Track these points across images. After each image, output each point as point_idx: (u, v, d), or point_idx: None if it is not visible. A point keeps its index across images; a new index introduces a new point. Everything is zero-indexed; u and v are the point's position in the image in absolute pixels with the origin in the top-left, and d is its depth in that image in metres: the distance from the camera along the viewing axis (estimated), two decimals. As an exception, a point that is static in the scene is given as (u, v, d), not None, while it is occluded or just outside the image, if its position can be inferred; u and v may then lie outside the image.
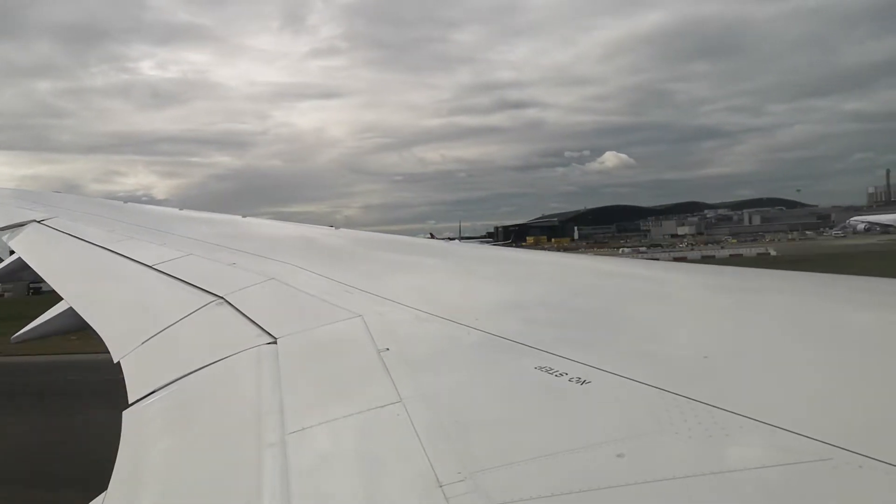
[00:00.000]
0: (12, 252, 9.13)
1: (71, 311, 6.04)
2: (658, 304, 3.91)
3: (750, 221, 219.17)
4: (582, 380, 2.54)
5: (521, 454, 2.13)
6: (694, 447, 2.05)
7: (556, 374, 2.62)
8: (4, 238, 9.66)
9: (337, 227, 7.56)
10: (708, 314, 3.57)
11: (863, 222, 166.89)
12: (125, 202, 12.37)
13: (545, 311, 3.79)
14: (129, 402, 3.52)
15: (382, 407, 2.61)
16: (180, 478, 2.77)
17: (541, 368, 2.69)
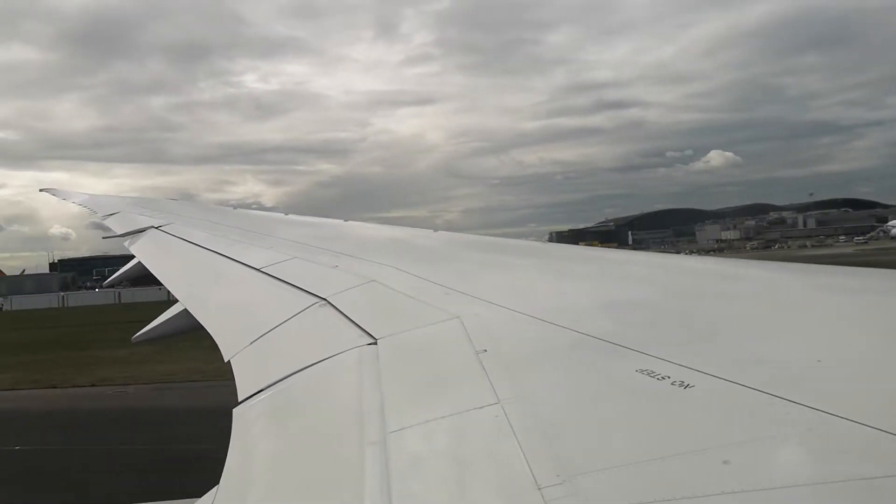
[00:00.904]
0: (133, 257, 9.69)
1: (185, 313, 6.36)
2: (762, 304, 3.75)
3: (805, 224, 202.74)
4: (685, 383, 2.47)
5: (621, 458, 2.09)
6: (805, 455, 1.96)
7: (658, 377, 2.56)
8: (126, 244, 10.26)
9: (436, 231, 7.64)
10: (818, 315, 3.40)
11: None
12: (234, 208, 12.90)
13: (643, 312, 3.71)
14: (239, 401, 3.67)
15: (481, 408, 2.62)
16: (287, 473, 2.87)
17: (641, 371, 2.63)
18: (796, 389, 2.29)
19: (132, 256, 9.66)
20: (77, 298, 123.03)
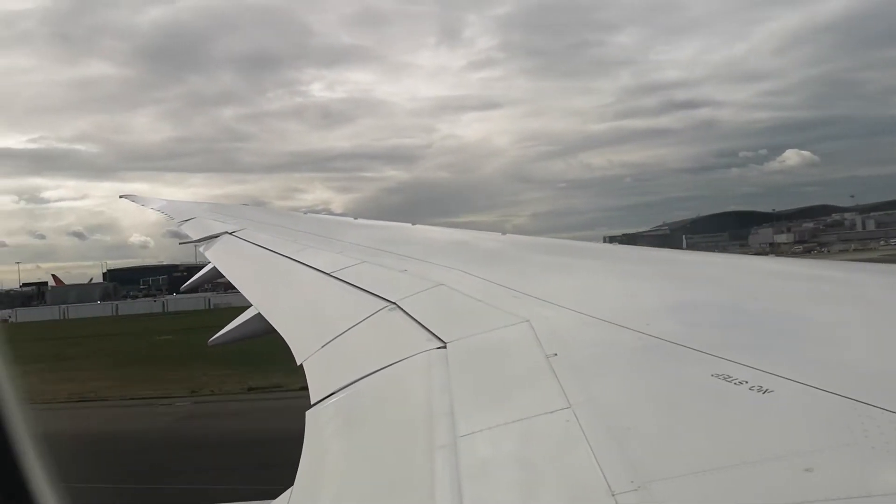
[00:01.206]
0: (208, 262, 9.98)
1: (259, 317, 6.51)
2: (841, 306, 3.62)
3: (864, 226, 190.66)
4: (763, 388, 2.40)
5: (698, 465, 2.04)
6: (891, 463, 1.88)
7: (735, 381, 2.49)
8: (201, 249, 10.57)
9: (505, 234, 7.62)
10: None
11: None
12: (305, 213, 13.15)
13: (717, 315, 3.62)
14: (311, 403, 3.73)
15: (551, 413, 2.59)
16: (358, 475, 2.90)
17: (717, 376, 2.57)
18: (880, 394, 2.20)
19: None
20: (126, 307, 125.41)
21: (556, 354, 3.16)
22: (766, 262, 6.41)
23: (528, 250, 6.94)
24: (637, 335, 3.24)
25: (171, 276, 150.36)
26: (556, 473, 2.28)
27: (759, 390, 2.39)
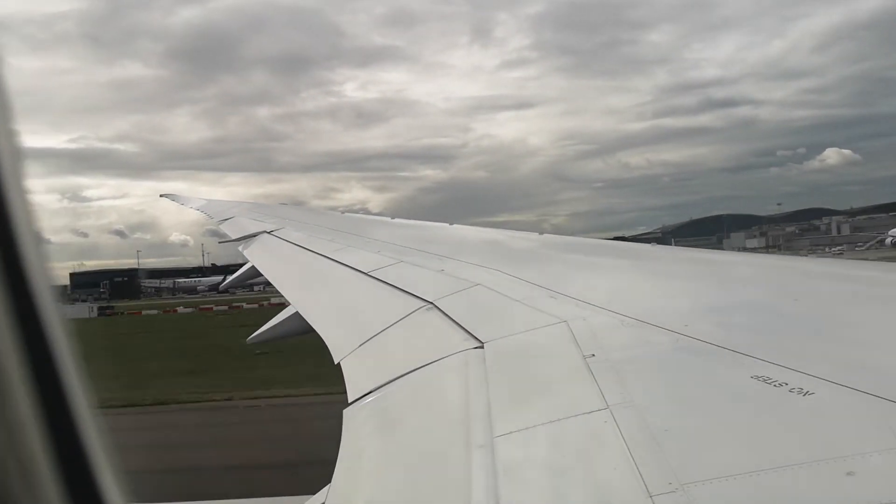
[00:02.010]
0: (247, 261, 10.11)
1: (297, 315, 6.58)
2: (882, 307, 3.56)
3: (839, 231, 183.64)
4: (804, 391, 2.37)
5: (736, 468, 2.03)
6: None
7: (775, 384, 2.47)
8: (240, 248, 10.70)
9: (541, 234, 7.61)
10: None
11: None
12: (342, 212, 13.25)
13: (755, 316, 3.58)
14: (349, 402, 3.77)
15: (589, 413, 2.59)
16: (395, 473, 2.92)
17: (757, 378, 2.55)
18: None
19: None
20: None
21: (593, 355, 3.15)
22: (806, 263, 6.31)
23: (565, 250, 6.92)
24: (675, 336, 3.22)
25: (113, 281, 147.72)
26: (593, 474, 2.28)
27: (799, 392, 2.37)
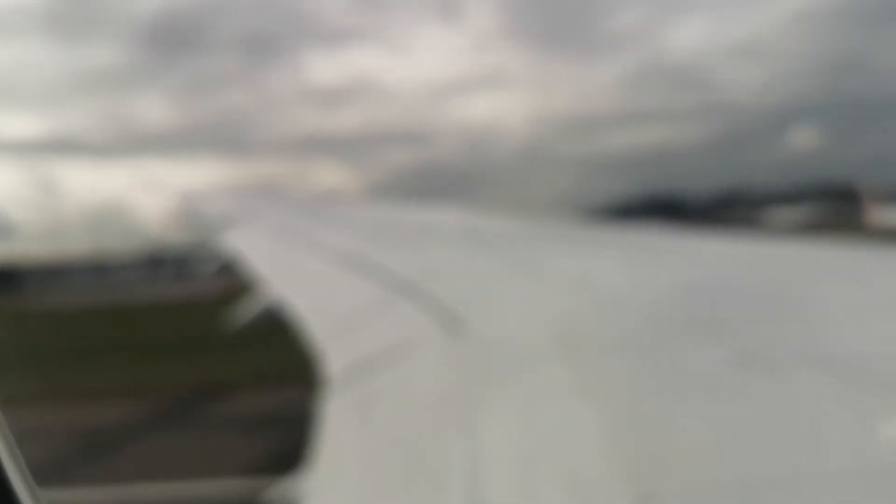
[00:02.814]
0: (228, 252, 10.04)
1: (280, 304, 6.58)
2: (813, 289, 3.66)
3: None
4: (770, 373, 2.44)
5: (699, 448, 2.09)
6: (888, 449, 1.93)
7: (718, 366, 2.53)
8: (217, 237, 10.60)
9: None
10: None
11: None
12: (317, 197, 13.14)
13: (686, 300, 3.65)
14: (327, 387, 3.79)
15: (573, 403, 2.63)
16: (374, 461, 2.95)
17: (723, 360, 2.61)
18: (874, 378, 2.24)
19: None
20: None
21: (571, 343, 3.19)
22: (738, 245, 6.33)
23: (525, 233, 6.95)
24: (640, 319, 3.28)
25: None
26: (581, 465, 2.31)
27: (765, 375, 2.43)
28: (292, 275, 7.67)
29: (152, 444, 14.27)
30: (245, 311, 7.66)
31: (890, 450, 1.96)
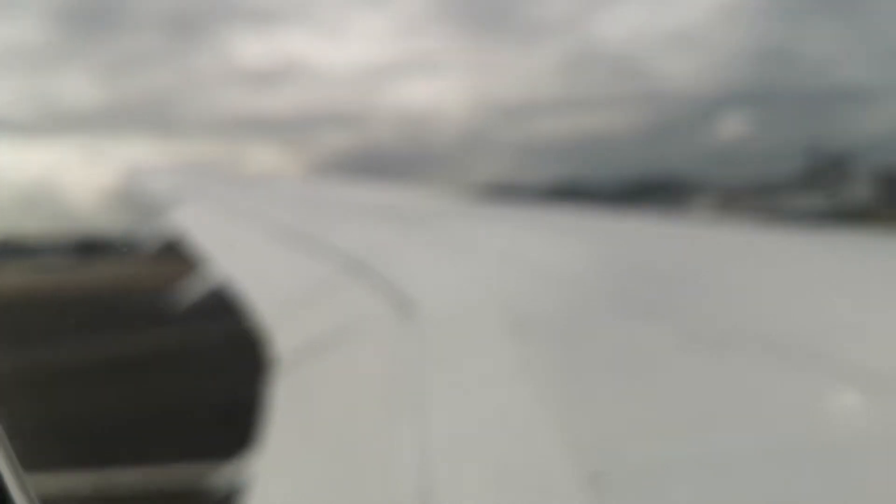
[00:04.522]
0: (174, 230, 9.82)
1: (226, 285, 6.46)
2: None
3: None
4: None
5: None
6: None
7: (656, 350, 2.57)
8: (163, 217, 10.36)
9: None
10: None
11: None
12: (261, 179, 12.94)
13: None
14: (276, 369, 3.74)
15: (521, 385, 2.63)
16: (324, 446, 2.92)
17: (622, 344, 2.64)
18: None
19: None
20: None
21: (532, 328, 3.19)
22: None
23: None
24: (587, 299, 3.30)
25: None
26: (532, 449, 2.32)
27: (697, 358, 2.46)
28: (239, 254, 7.54)
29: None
30: (189, 292, 7.50)
31: (830, 426, 2.01)
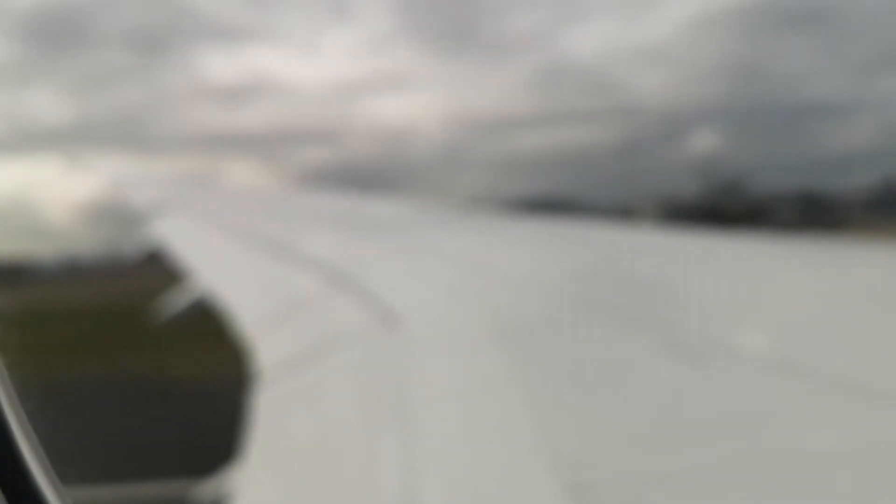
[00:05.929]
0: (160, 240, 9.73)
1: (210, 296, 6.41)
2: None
3: None
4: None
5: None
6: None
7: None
8: (146, 229, 10.27)
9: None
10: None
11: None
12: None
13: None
14: (260, 382, 3.71)
15: (505, 395, 2.63)
16: (311, 454, 2.90)
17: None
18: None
19: None
20: None
21: (511, 335, 3.19)
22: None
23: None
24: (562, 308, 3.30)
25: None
26: (513, 452, 2.32)
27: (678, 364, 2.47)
28: (222, 266, 7.50)
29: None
30: (173, 304, 7.45)
31: (808, 435, 2.02)
